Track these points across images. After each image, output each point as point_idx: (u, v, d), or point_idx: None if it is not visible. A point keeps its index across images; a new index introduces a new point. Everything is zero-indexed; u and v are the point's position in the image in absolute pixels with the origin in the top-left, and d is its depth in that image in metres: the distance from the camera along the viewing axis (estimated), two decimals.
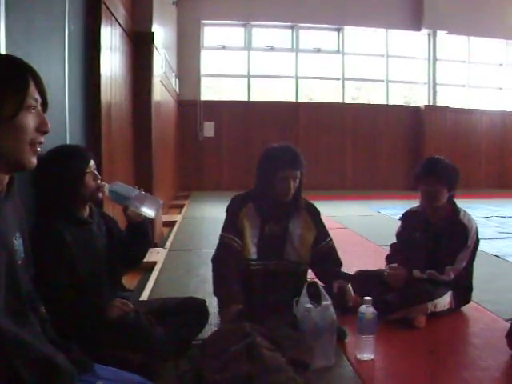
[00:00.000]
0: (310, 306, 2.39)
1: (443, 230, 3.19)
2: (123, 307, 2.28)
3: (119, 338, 2.16)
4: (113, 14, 4.17)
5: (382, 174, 12.50)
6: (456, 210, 3.23)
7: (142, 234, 2.63)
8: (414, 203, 3.49)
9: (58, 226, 2.26)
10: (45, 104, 1.44)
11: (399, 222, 3.55)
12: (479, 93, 13.38)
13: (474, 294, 3.29)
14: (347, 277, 3.00)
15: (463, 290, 3.20)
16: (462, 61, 13.19)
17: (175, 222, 7.10)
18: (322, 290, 2.47)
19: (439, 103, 12.90)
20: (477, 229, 3.22)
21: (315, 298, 2.50)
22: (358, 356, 2.51)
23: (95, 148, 3.63)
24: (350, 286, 2.86)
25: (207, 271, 4.29)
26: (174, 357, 2.35)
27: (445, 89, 13.21)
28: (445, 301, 3.06)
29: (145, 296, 3.59)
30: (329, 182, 11.76)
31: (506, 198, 10.49)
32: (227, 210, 3.09)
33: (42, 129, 1.41)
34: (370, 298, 2.47)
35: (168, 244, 5.54)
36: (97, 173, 2.45)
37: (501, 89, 13.40)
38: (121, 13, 4.48)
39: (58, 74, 2.86)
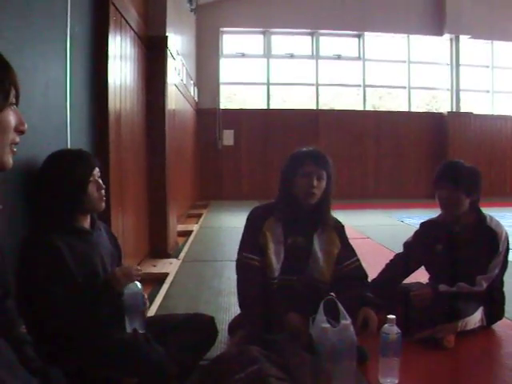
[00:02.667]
0: (327, 325, 2.16)
1: (470, 238, 2.93)
2: (129, 274, 2.10)
3: (113, 358, 1.95)
4: (123, 16, 4.01)
5: (405, 182, 12.23)
6: (482, 216, 2.98)
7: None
8: (438, 212, 3.23)
9: (53, 238, 2.05)
10: (18, 97, 1.30)
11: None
12: (504, 98, 13.07)
13: (507, 310, 3.03)
14: (376, 304, 2.65)
15: (495, 305, 2.94)
16: (486, 66, 12.90)
17: (191, 231, 6.92)
18: (341, 307, 2.23)
19: (463, 109, 12.63)
20: (507, 234, 2.95)
21: (333, 315, 2.27)
22: (381, 381, 2.27)
23: (102, 156, 3.46)
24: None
25: (220, 284, 4.13)
26: (177, 380, 2.13)
27: (468, 95, 12.95)
28: (476, 318, 2.80)
29: (152, 311, 3.39)
30: (350, 190, 11.49)
31: None
32: (248, 224, 2.78)
33: (19, 128, 1.31)
34: (393, 316, 2.23)
35: (182, 255, 5.36)
36: (101, 182, 2.25)
37: None
38: (132, 15, 4.32)
39: (57, 74, 2.69)
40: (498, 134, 12.64)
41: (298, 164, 2.69)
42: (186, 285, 4.19)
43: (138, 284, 2.21)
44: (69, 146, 2.78)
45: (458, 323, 2.71)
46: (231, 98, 12.87)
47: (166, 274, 4.43)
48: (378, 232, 6.94)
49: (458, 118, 12.26)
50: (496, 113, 12.83)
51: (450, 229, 3.03)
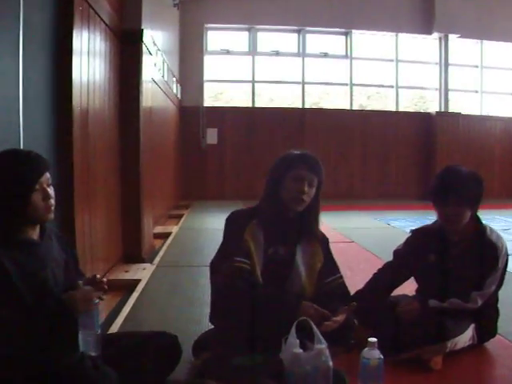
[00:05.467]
0: (299, 350, 1.92)
1: (467, 250, 2.69)
2: (89, 299, 1.89)
3: None
4: (91, 6, 3.75)
5: (392, 183, 12.06)
6: (481, 228, 2.73)
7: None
8: (426, 214, 2.98)
9: None
10: None
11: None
12: (492, 99, 12.94)
13: (500, 325, 2.80)
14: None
15: (488, 322, 2.71)
16: (475, 65, 12.75)
17: (170, 233, 6.66)
18: (316, 329, 1.99)
19: (451, 109, 12.47)
20: (507, 248, 2.71)
21: (308, 335, 2.03)
22: None
23: (65, 156, 3.25)
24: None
25: (194, 292, 3.89)
26: None
27: (457, 95, 12.81)
28: (466, 337, 2.56)
29: (118, 323, 3.15)
30: (336, 191, 11.25)
31: None
32: (229, 229, 2.51)
33: None
34: (375, 339, 1.99)
35: (157, 259, 5.11)
36: (50, 190, 1.96)
37: None
38: (103, 6, 4.06)
39: (8, 65, 2.44)
40: (487, 135, 12.49)
41: (290, 166, 2.46)
42: (158, 293, 3.95)
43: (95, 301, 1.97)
44: (21, 144, 2.54)
45: (446, 344, 2.46)
46: (217, 97, 12.62)
47: (137, 281, 4.18)
48: (364, 235, 6.71)
49: (446, 119, 12.10)
50: (485, 113, 12.68)
51: (445, 238, 2.78)
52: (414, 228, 3.01)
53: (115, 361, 2.00)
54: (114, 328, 3.06)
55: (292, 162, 2.47)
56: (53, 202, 1.97)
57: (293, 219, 2.50)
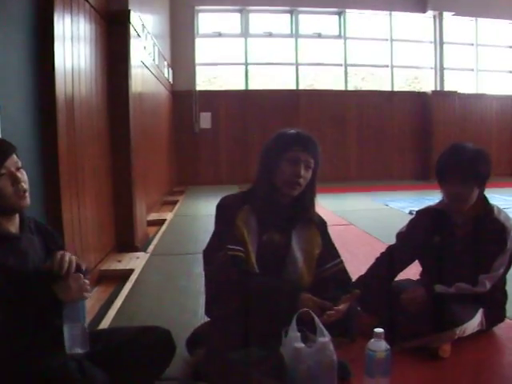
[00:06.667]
0: (301, 345, 1.79)
1: (474, 231, 2.56)
2: (83, 288, 1.80)
3: None
4: None
5: (389, 163, 11.94)
6: (488, 207, 2.59)
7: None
8: (424, 195, 2.84)
9: None
10: None
11: (408, 218, 2.90)
12: (489, 77, 12.76)
13: (508, 309, 2.68)
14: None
15: (497, 306, 2.59)
16: (470, 44, 12.56)
17: (165, 220, 6.53)
18: (318, 321, 1.87)
19: (447, 88, 12.29)
20: None
21: (310, 328, 1.91)
22: None
23: (50, 144, 3.11)
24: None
25: (189, 282, 3.77)
26: None
27: (453, 73, 12.61)
28: (475, 322, 2.45)
29: (110, 316, 3.03)
30: (332, 173, 11.11)
31: None
32: (220, 215, 2.36)
33: None
34: (381, 330, 1.86)
35: (151, 247, 4.98)
36: (19, 174, 1.81)
37: (511, 72, 12.76)
38: None
39: None
40: (483, 113, 12.37)
41: (284, 147, 2.30)
42: (152, 283, 3.83)
43: None
44: None
45: (455, 331, 2.35)
46: (212, 81, 12.43)
47: (130, 271, 4.06)
48: (362, 217, 6.58)
49: (442, 97, 11.96)
50: (481, 92, 12.54)
51: (450, 219, 2.65)
52: (412, 209, 2.89)
53: (105, 359, 1.87)
54: (107, 321, 2.94)
55: (287, 142, 2.31)
56: (25, 186, 1.81)
57: (287, 203, 2.36)
